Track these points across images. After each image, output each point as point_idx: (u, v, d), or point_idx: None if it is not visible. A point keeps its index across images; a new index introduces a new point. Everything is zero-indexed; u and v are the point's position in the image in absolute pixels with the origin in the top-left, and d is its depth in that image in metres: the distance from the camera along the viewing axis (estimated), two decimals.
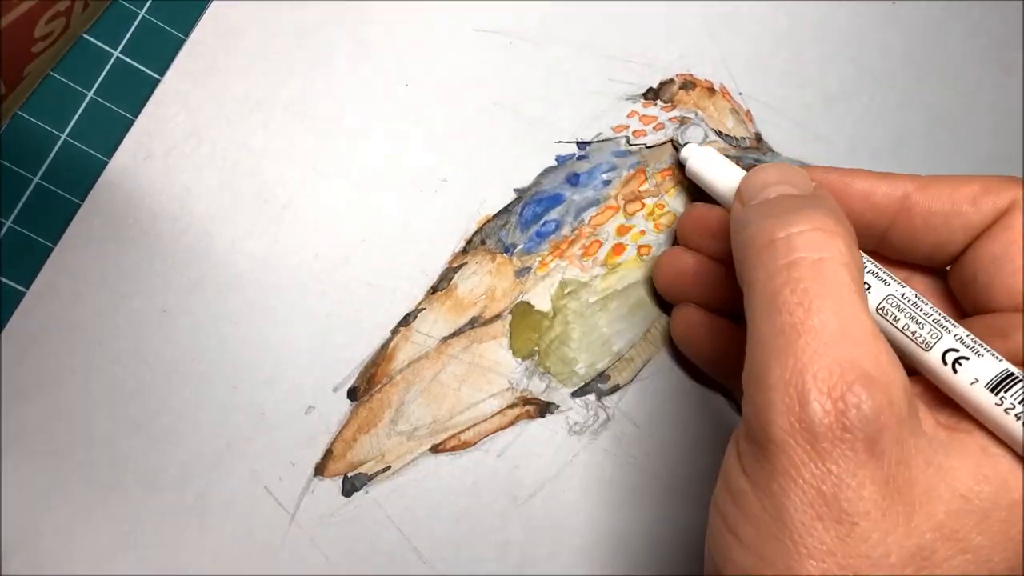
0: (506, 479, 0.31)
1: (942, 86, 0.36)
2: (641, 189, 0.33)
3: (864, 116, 0.35)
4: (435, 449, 0.31)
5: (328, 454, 0.30)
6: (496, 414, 0.31)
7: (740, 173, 0.28)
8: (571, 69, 0.33)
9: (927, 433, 0.22)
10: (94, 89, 0.30)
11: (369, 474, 0.30)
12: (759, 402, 0.21)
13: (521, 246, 0.32)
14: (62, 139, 0.29)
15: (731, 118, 0.34)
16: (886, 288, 0.25)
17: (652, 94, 0.33)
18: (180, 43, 0.30)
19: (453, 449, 0.31)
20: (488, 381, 0.31)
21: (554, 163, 0.32)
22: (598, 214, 0.32)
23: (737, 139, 0.33)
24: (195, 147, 0.30)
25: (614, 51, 0.33)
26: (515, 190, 0.32)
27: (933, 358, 0.23)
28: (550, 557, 0.31)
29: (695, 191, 0.32)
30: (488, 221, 0.32)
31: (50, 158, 0.29)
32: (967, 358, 0.23)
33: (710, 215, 0.30)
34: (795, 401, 0.21)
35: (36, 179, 0.29)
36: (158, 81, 0.30)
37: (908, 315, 0.24)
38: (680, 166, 0.32)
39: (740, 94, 0.34)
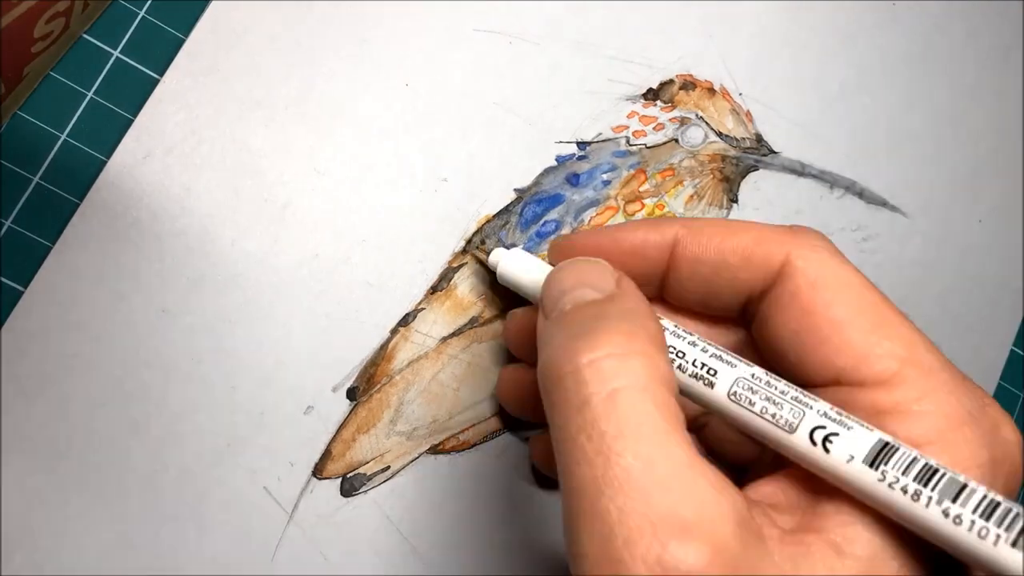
0: (506, 480, 0.31)
1: (942, 86, 0.36)
2: (641, 189, 0.33)
3: (864, 117, 0.35)
4: (434, 449, 0.31)
5: (327, 454, 0.30)
6: (496, 414, 0.31)
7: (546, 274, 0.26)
8: (571, 69, 0.33)
9: (772, 554, 0.19)
10: (94, 89, 0.30)
11: (368, 474, 0.30)
12: (575, 574, 0.19)
13: (521, 246, 0.32)
14: (62, 139, 0.29)
15: (731, 118, 0.34)
16: (734, 371, 0.22)
17: (652, 94, 0.33)
18: (180, 43, 0.30)
19: (453, 449, 0.31)
20: (488, 381, 0.31)
21: (554, 163, 0.32)
22: (598, 214, 0.32)
23: (737, 139, 0.33)
24: (195, 147, 0.30)
25: (614, 51, 0.33)
26: (515, 190, 0.32)
27: (800, 440, 0.21)
28: (550, 558, 0.31)
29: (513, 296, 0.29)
30: (488, 221, 0.32)
31: (49, 158, 0.29)
32: (836, 434, 0.20)
33: (530, 321, 0.27)
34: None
35: (36, 179, 0.29)
36: (158, 81, 0.30)
37: (763, 396, 0.22)
38: (492, 274, 0.29)
39: (740, 95, 0.34)
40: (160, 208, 0.30)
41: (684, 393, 0.23)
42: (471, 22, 0.32)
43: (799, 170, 0.34)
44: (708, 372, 0.23)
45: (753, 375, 0.22)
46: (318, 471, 0.30)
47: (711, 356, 0.23)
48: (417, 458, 0.30)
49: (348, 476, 0.30)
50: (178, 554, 0.29)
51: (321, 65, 0.31)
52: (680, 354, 0.23)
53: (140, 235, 0.29)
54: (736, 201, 0.33)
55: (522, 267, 0.27)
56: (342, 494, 0.30)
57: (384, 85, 0.32)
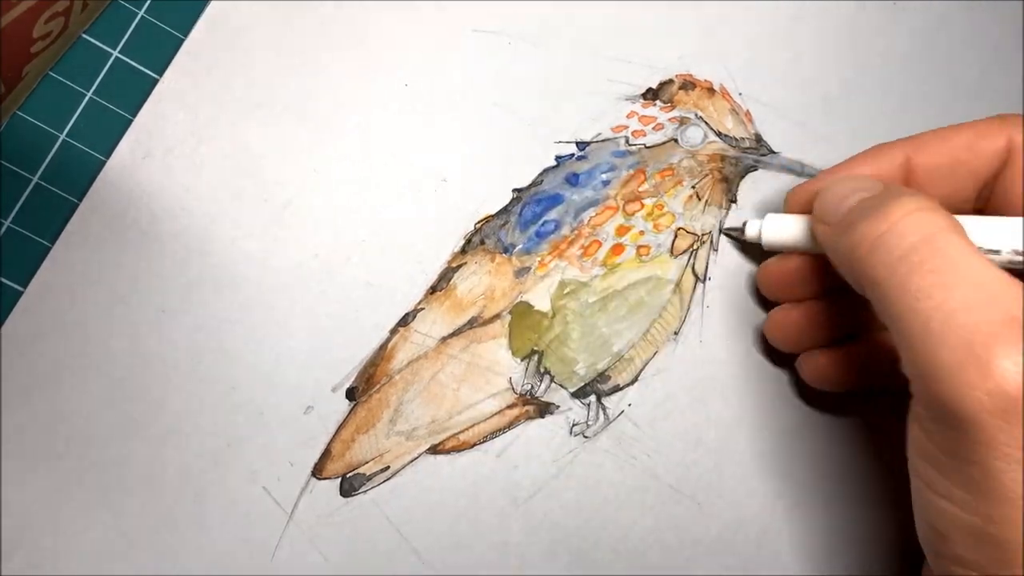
0: (505, 479, 0.31)
1: (942, 86, 0.36)
2: (640, 189, 0.33)
3: (864, 116, 0.35)
4: (434, 449, 0.31)
5: (326, 454, 0.30)
6: (495, 414, 0.31)
7: (803, 217, 0.29)
8: (570, 69, 0.33)
9: None
10: (93, 89, 0.30)
11: (368, 474, 0.30)
12: (940, 389, 0.21)
13: (520, 246, 0.32)
14: (61, 139, 0.29)
15: (731, 118, 0.34)
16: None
17: (651, 94, 0.33)
18: (179, 43, 0.30)
19: (452, 449, 0.31)
20: (487, 381, 0.31)
21: (553, 163, 0.32)
22: (597, 214, 0.32)
23: (737, 139, 0.33)
24: (194, 147, 0.30)
25: (613, 51, 0.33)
26: (514, 190, 0.32)
27: None
28: (549, 558, 0.31)
29: (750, 251, 0.33)
30: (487, 221, 0.32)
31: (49, 158, 0.29)
32: None
33: (786, 267, 0.31)
34: (979, 376, 0.21)
35: (35, 179, 0.29)
36: (157, 81, 0.30)
37: None
38: (740, 243, 0.33)
39: (740, 94, 0.34)
40: (160, 208, 0.30)
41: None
42: (470, 23, 0.32)
43: (798, 170, 0.34)
44: None
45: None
46: (318, 471, 0.30)
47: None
48: (417, 458, 0.30)
49: (348, 476, 0.30)
50: (178, 554, 0.29)
51: (321, 66, 0.31)
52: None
53: (140, 235, 0.29)
54: (735, 201, 0.33)
55: (783, 225, 0.30)
56: (341, 494, 0.30)
57: (384, 85, 0.32)
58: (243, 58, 0.31)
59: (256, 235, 0.30)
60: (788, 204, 0.31)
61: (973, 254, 0.22)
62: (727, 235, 0.33)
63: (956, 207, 0.28)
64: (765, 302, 0.32)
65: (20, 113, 0.29)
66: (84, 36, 0.30)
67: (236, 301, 0.30)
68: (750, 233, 0.31)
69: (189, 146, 0.30)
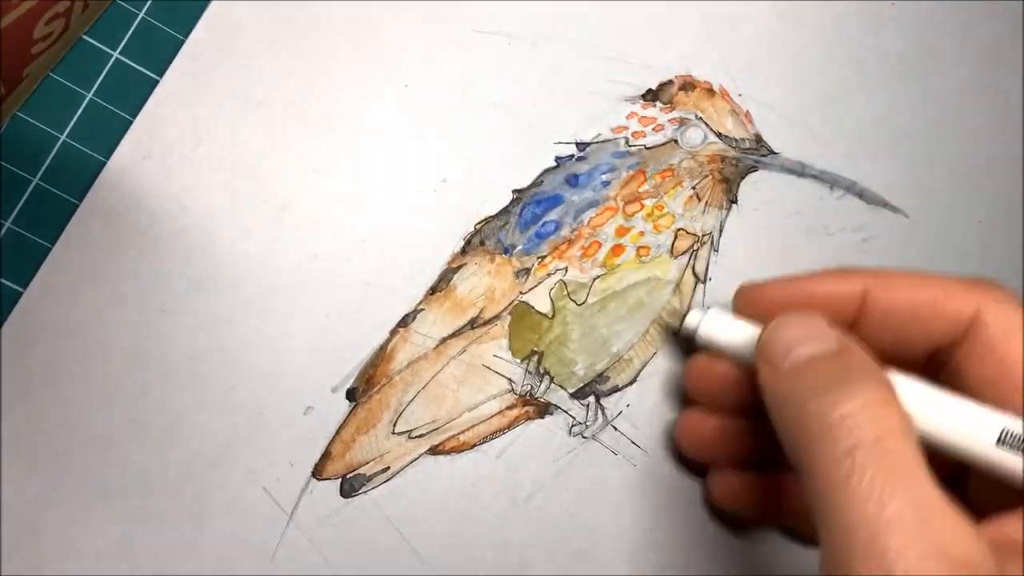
0: (505, 480, 0.31)
1: (942, 86, 0.36)
2: (640, 190, 0.33)
3: (863, 117, 0.35)
4: (434, 450, 0.31)
5: (326, 455, 0.30)
6: (495, 415, 0.31)
7: (753, 330, 0.28)
8: (570, 70, 0.33)
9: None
10: (93, 90, 0.30)
11: (368, 475, 0.30)
12: None
13: (520, 247, 0.32)
14: (61, 140, 0.29)
15: (730, 119, 0.34)
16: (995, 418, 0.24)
17: (651, 95, 0.33)
18: (179, 44, 0.30)
19: (452, 450, 0.31)
20: (487, 382, 0.31)
21: (553, 164, 0.32)
22: (597, 215, 0.32)
23: (737, 140, 0.33)
24: (194, 147, 0.30)
25: (613, 52, 0.33)
26: (514, 191, 0.32)
27: None
28: (549, 558, 0.31)
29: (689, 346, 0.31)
30: (487, 222, 0.32)
31: (49, 159, 0.29)
32: None
33: (716, 369, 0.29)
34: None
35: (35, 180, 0.29)
36: (157, 82, 0.30)
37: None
38: (674, 333, 0.31)
39: (739, 95, 0.34)
40: (160, 208, 0.30)
41: (940, 449, 0.25)
42: (471, 23, 0.32)
43: (799, 171, 0.34)
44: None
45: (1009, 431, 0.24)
46: (318, 472, 0.30)
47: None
48: (417, 459, 0.31)
49: (348, 477, 0.30)
50: (177, 554, 0.29)
51: (321, 66, 0.31)
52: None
53: (140, 235, 0.29)
54: (736, 202, 0.33)
55: (725, 328, 0.29)
56: (342, 495, 0.30)
57: (384, 86, 0.32)
58: (243, 58, 0.31)
59: (256, 235, 0.30)
60: (738, 299, 0.29)
61: (918, 468, 0.21)
62: (661, 326, 0.32)
63: (903, 361, 0.26)
64: None
65: (21, 114, 0.29)
66: (85, 37, 0.30)
67: (236, 301, 0.30)
68: (689, 322, 0.30)
69: (189, 146, 0.30)
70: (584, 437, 0.31)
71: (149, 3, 0.30)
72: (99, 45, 0.30)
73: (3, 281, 0.28)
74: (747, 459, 0.29)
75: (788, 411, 0.24)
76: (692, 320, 0.29)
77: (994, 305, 0.25)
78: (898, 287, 0.26)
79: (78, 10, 0.28)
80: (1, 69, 0.26)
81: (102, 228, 0.29)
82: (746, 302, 0.29)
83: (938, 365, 0.27)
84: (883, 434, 0.22)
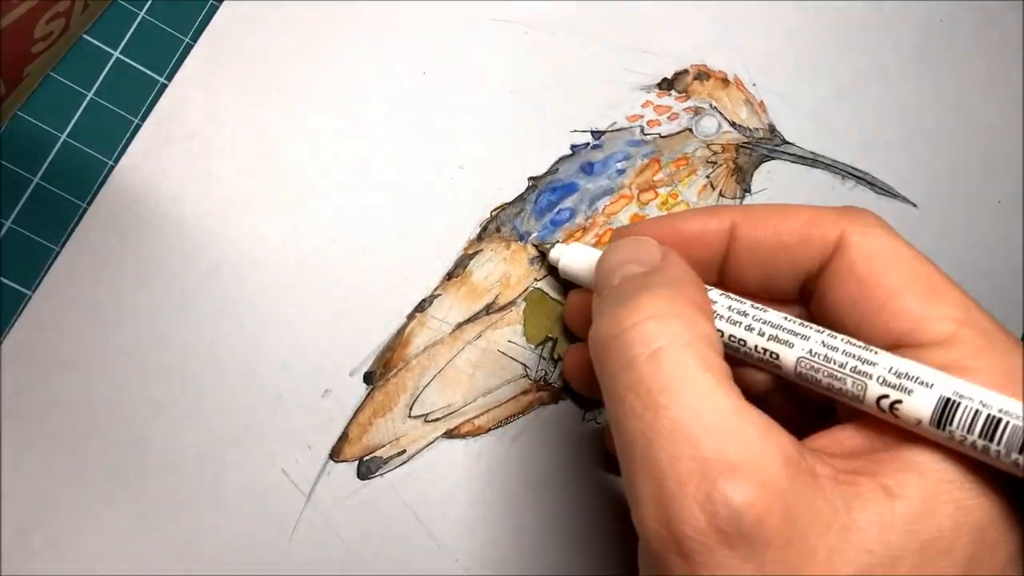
0: (520, 464, 0.31)
1: (954, 78, 0.36)
2: (655, 179, 0.33)
3: (876, 109, 0.35)
4: (450, 434, 0.31)
5: (344, 437, 0.30)
6: (510, 400, 0.31)
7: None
8: (586, 59, 0.33)
9: (823, 490, 0.20)
10: (94, 90, 0.30)
11: (384, 458, 0.30)
12: (635, 517, 0.21)
13: (536, 234, 0.32)
14: (62, 140, 0.29)
15: (745, 109, 0.34)
16: (791, 351, 0.23)
17: (666, 84, 0.34)
18: (180, 43, 0.30)
19: (468, 434, 0.31)
20: (502, 367, 0.31)
21: (569, 152, 0.33)
22: (612, 203, 0.33)
23: (750, 130, 0.34)
24: (216, 132, 0.30)
25: (629, 41, 0.34)
26: (530, 178, 0.32)
27: (869, 406, 0.22)
28: (563, 542, 0.31)
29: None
30: (503, 208, 0.32)
31: (50, 159, 0.29)
32: (900, 401, 0.21)
33: (584, 302, 0.29)
34: (663, 516, 0.20)
35: (36, 180, 0.29)
36: (158, 81, 0.30)
37: (825, 373, 0.23)
38: (552, 269, 0.31)
39: (754, 85, 0.34)
40: (181, 192, 0.30)
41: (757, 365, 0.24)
42: (488, 11, 0.33)
43: (811, 160, 0.34)
44: (771, 356, 0.24)
45: (811, 351, 0.23)
46: (335, 454, 0.30)
47: (768, 340, 0.24)
48: (433, 442, 0.31)
49: (365, 459, 0.30)
50: (196, 535, 0.29)
51: (340, 52, 0.31)
52: (741, 342, 0.24)
53: (161, 219, 0.30)
54: (749, 191, 0.34)
55: (579, 257, 0.29)
56: (359, 477, 0.30)
57: (402, 73, 0.32)
58: (264, 45, 0.31)
59: (275, 220, 0.30)
60: (612, 238, 0.28)
61: (699, 374, 0.21)
62: (537, 249, 0.32)
63: (777, 295, 0.26)
64: None
65: (21, 114, 0.29)
66: (85, 37, 0.30)
67: (255, 285, 0.30)
68: (552, 256, 0.30)
69: (211, 131, 0.30)
70: (597, 423, 0.32)
71: (149, 3, 0.30)
72: (100, 45, 0.30)
73: (4, 281, 0.29)
74: None
75: (594, 328, 0.23)
76: (554, 253, 0.30)
77: (859, 228, 0.24)
78: (765, 218, 0.26)
79: (78, 10, 0.28)
80: (1, 68, 0.26)
81: (125, 211, 0.29)
82: (617, 240, 0.28)
83: (808, 296, 0.26)
84: (662, 345, 0.21)
